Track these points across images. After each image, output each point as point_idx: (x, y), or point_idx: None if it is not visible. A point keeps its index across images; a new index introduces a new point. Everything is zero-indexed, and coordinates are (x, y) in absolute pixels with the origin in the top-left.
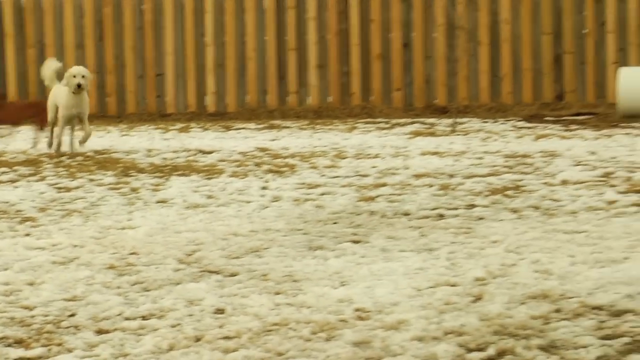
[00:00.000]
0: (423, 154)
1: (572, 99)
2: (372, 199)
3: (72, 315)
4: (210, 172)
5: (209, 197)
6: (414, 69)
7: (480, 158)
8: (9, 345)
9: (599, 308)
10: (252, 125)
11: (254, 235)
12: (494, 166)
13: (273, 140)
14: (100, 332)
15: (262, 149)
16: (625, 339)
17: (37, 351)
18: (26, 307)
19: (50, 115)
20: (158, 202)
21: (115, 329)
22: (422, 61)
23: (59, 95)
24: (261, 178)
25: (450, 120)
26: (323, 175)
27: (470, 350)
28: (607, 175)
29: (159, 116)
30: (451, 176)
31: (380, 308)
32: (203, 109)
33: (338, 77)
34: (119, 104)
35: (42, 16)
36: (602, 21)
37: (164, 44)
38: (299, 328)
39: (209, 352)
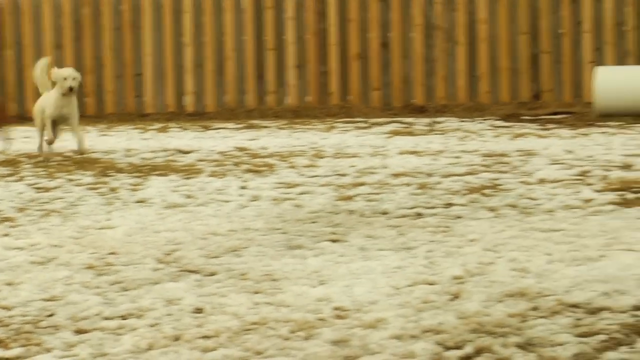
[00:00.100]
0: (401, 153)
1: (549, 98)
2: (350, 198)
3: (51, 315)
4: (189, 171)
5: (188, 196)
6: (392, 69)
7: (458, 157)
8: None
9: (575, 306)
10: (230, 125)
11: (232, 234)
12: (472, 165)
13: (252, 140)
14: (79, 331)
15: (241, 149)
16: (602, 337)
17: (16, 351)
18: (4, 307)
19: (37, 121)
20: (137, 201)
21: (94, 329)
22: (400, 61)
23: (47, 99)
24: (240, 178)
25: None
26: (302, 175)
27: (448, 349)
28: (583, 173)
29: (137, 116)
30: (429, 175)
31: (359, 307)
32: (182, 109)
33: (316, 76)
34: (98, 104)
35: (20, 17)
36: (578, 21)
37: (143, 44)
38: (277, 327)
39: (187, 352)
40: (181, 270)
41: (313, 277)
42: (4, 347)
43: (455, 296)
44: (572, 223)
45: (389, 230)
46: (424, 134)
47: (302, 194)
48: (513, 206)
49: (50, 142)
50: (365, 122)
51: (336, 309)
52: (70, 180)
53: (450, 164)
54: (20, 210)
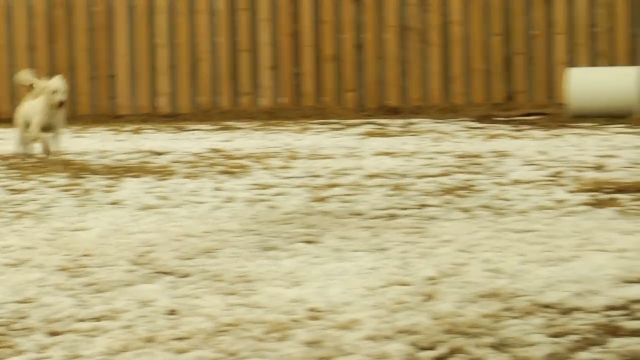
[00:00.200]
0: (375, 154)
1: (522, 100)
2: (324, 199)
3: (24, 317)
4: (163, 173)
5: (162, 198)
6: (366, 70)
7: (432, 158)
8: None
9: (548, 306)
10: (205, 126)
11: (207, 236)
12: (446, 166)
13: (226, 141)
14: (52, 334)
15: (216, 150)
16: (574, 337)
17: None
18: None
19: (20, 135)
20: (111, 203)
21: (68, 331)
22: (374, 62)
23: (31, 110)
24: (214, 179)
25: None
26: (276, 176)
27: (421, 349)
28: (556, 174)
29: (111, 117)
30: (403, 176)
31: (333, 308)
32: (156, 110)
33: (291, 78)
34: (71, 105)
35: None
36: (551, 22)
37: (116, 46)
38: (252, 328)
39: (161, 353)
40: (155, 272)
41: (287, 278)
42: None
43: (429, 297)
44: (545, 224)
45: (363, 231)
46: (398, 135)
47: (276, 195)
48: (487, 207)
49: (46, 152)
50: (340, 123)
51: (310, 310)
52: (44, 182)
53: (424, 165)
54: None
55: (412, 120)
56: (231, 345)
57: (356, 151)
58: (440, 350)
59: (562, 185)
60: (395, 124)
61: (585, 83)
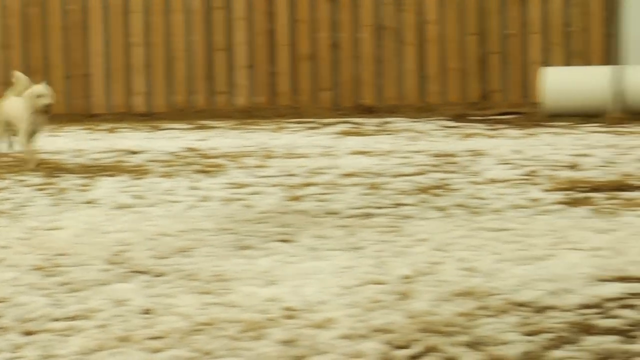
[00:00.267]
0: (351, 153)
1: (497, 99)
2: (300, 198)
3: None
4: (139, 172)
5: (137, 197)
6: (342, 69)
7: (407, 157)
8: None
9: (523, 305)
10: (180, 125)
11: (182, 235)
12: (421, 165)
13: (202, 140)
14: (26, 333)
15: (191, 149)
16: (549, 335)
17: None
18: None
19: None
20: (86, 202)
21: (42, 330)
22: (350, 61)
23: (14, 110)
24: (190, 178)
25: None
26: (252, 175)
27: (396, 348)
28: (531, 173)
29: (86, 116)
30: (379, 175)
31: (308, 306)
32: (131, 109)
33: (266, 77)
34: None
35: None
36: (526, 22)
37: (91, 44)
38: (227, 327)
39: (136, 353)
40: (130, 271)
41: (262, 277)
42: None
43: (404, 296)
44: (520, 222)
45: (339, 230)
46: (374, 134)
47: (252, 194)
48: (462, 206)
49: (30, 155)
50: (315, 122)
51: (286, 309)
52: (19, 181)
53: (399, 164)
54: None
55: (388, 119)
56: (206, 345)
57: (332, 150)
58: (415, 348)
59: (536, 184)
60: (370, 123)
61: (560, 82)
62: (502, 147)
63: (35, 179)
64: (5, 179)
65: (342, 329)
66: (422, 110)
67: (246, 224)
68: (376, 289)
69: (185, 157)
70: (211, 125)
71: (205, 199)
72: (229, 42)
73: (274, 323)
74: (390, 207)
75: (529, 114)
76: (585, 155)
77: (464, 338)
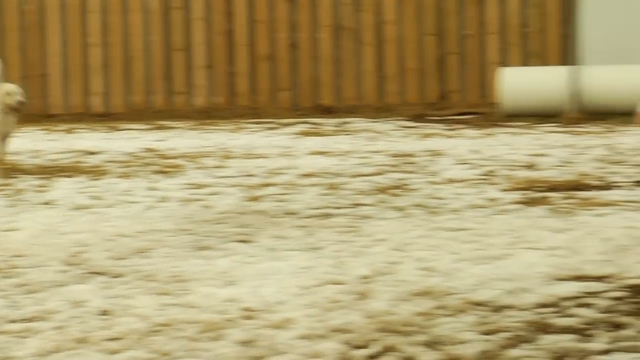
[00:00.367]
0: (310, 153)
1: (456, 99)
2: (259, 198)
3: None
4: (97, 173)
5: (95, 198)
6: (301, 70)
7: (366, 157)
8: None
9: (480, 304)
10: (139, 125)
11: (140, 236)
12: (380, 165)
13: (160, 140)
14: None
15: (150, 150)
16: (506, 334)
17: None
18: None
19: None
20: (43, 203)
21: None
22: (309, 61)
23: None
24: (148, 179)
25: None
26: (210, 176)
27: (355, 348)
28: (489, 173)
29: (43, 117)
30: (338, 175)
31: (267, 307)
32: (89, 109)
33: (225, 77)
34: None
35: None
36: (484, 22)
37: (48, 44)
38: (185, 328)
39: (94, 354)
40: (87, 272)
41: (221, 277)
42: None
43: (363, 296)
44: (478, 222)
45: (298, 230)
46: (333, 135)
47: (210, 194)
48: (420, 206)
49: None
50: (274, 122)
51: (244, 309)
52: None
53: (358, 164)
54: None
55: (347, 119)
56: (164, 345)
57: (290, 150)
58: (374, 348)
59: (494, 184)
60: (329, 123)
61: (518, 83)
62: (460, 147)
63: None
64: None
65: (301, 329)
66: (380, 110)
67: (205, 224)
68: (335, 289)
69: (144, 157)
70: (170, 125)
71: (163, 199)
72: (187, 42)
73: (233, 323)
74: (349, 207)
75: (487, 114)
76: (542, 155)
77: (422, 337)
